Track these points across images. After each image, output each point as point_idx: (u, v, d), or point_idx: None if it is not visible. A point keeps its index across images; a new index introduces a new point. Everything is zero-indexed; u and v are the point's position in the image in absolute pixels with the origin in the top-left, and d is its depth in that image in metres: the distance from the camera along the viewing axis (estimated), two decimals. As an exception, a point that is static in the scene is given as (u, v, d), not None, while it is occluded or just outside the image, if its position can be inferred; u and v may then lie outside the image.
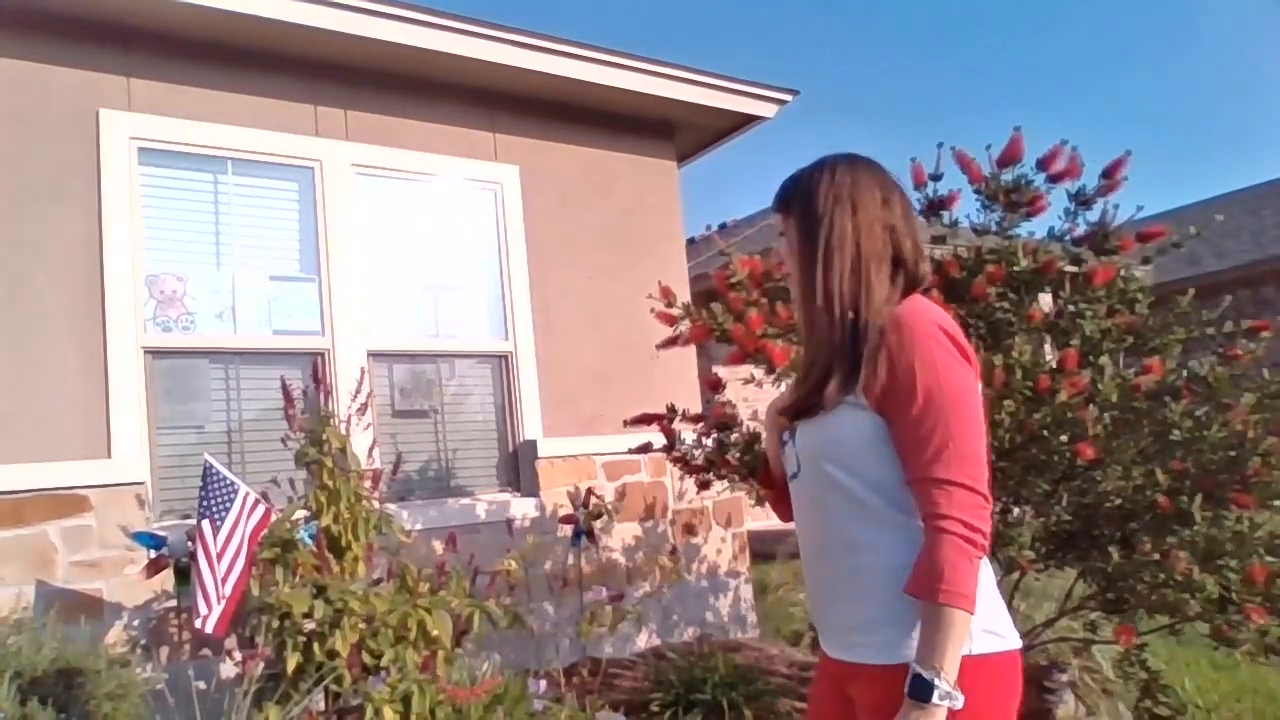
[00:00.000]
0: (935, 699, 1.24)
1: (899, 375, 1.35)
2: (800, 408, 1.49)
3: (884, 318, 1.41)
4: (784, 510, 1.67)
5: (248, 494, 3.35)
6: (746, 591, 5.49)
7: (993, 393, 3.03)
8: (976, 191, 3.47)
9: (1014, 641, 1.39)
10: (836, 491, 1.42)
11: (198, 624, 3.11)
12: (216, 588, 3.14)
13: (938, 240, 3.64)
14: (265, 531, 3.38)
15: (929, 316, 1.40)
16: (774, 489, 1.70)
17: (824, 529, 1.47)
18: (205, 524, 3.24)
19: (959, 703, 1.25)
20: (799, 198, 1.52)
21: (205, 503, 3.29)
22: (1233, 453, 3.03)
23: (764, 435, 1.70)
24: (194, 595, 3.19)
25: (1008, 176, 3.41)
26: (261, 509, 3.35)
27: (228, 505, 3.27)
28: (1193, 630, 3.35)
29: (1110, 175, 3.37)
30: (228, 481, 3.34)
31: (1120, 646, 3.21)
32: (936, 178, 3.54)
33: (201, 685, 3.45)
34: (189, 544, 3.35)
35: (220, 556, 3.20)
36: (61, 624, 3.33)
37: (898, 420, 1.36)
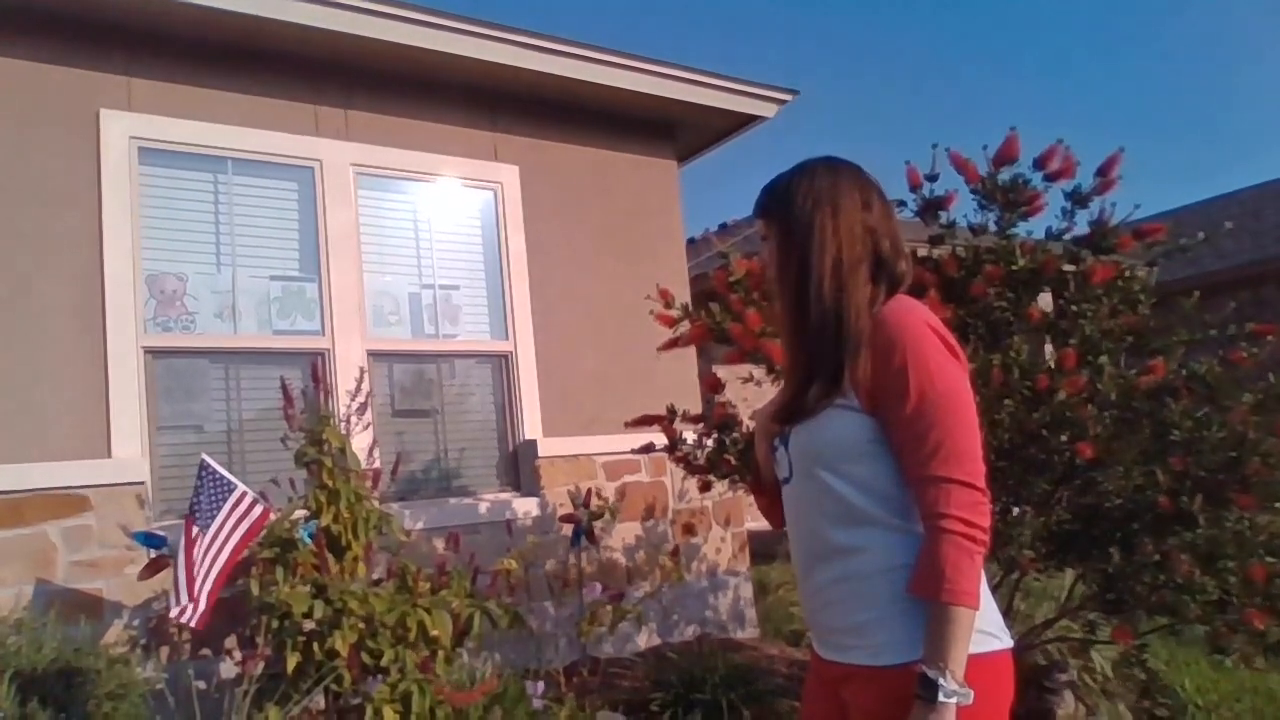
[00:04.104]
0: (943, 697, 1.24)
1: (890, 375, 1.35)
2: (789, 412, 1.49)
3: (867, 319, 1.41)
4: (776, 517, 1.66)
5: (244, 493, 3.36)
6: (746, 591, 5.49)
7: (991, 392, 3.02)
8: (973, 192, 3.46)
9: (1006, 641, 1.39)
10: (828, 495, 1.42)
11: (173, 615, 3.17)
12: (190, 583, 3.19)
13: (935, 241, 3.64)
14: (263, 531, 3.39)
15: (916, 315, 1.40)
16: (765, 495, 1.70)
17: (816, 533, 1.46)
18: (189, 522, 3.30)
19: (969, 699, 1.25)
20: (779, 202, 1.52)
21: (195, 501, 3.33)
22: (1233, 453, 3.03)
23: (755, 442, 1.70)
24: (172, 589, 3.26)
25: (1004, 176, 3.40)
26: (259, 508, 3.36)
27: (218, 505, 3.30)
28: (1192, 630, 3.35)
29: (1105, 173, 3.36)
30: (223, 481, 3.35)
31: (1119, 647, 3.21)
32: (932, 178, 3.54)
33: (201, 685, 3.45)
34: None
35: (205, 553, 3.24)
36: (61, 624, 3.34)
37: (892, 420, 1.36)
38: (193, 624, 3.17)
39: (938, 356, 1.37)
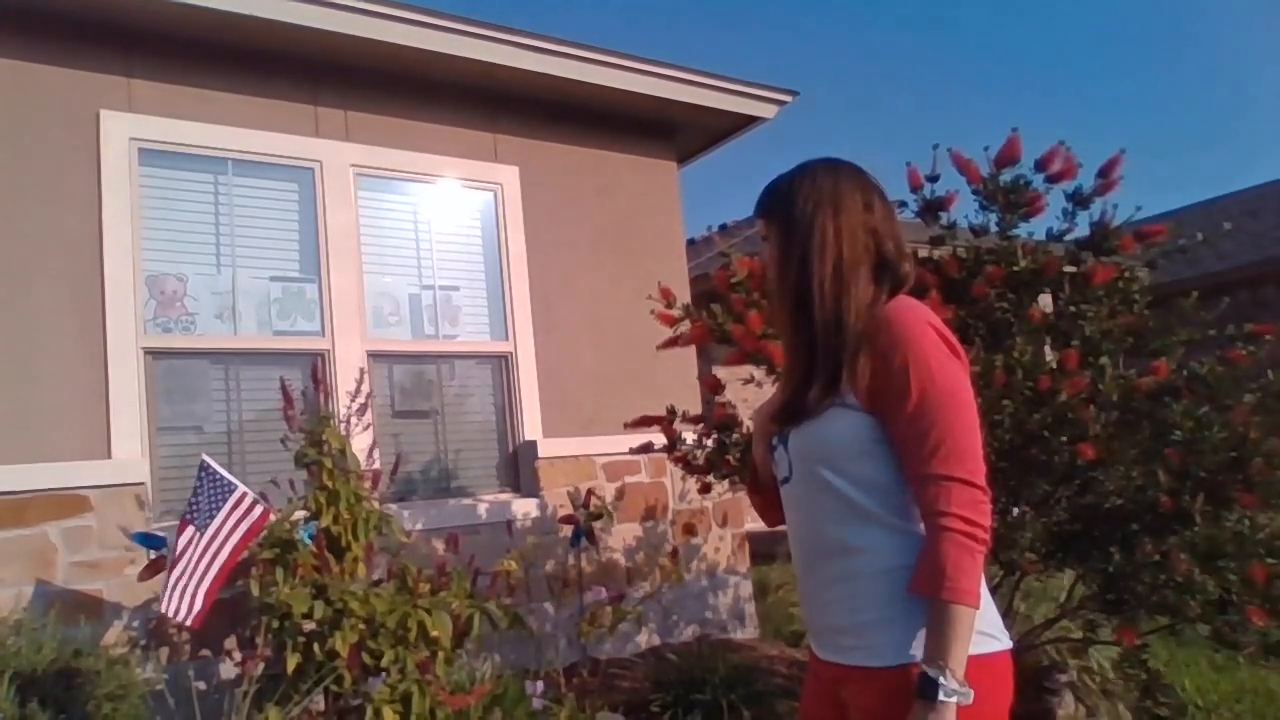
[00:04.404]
0: (943, 696, 1.24)
1: (892, 374, 1.35)
2: (789, 412, 1.49)
3: (867, 319, 1.41)
4: (772, 516, 1.66)
5: (245, 494, 3.36)
6: (746, 592, 5.49)
7: (993, 393, 3.02)
8: (975, 192, 3.46)
9: (1005, 642, 1.39)
10: (828, 494, 1.42)
11: (162, 609, 3.23)
12: (179, 581, 3.23)
13: (936, 241, 3.64)
14: (263, 532, 3.39)
15: (918, 314, 1.40)
16: (762, 495, 1.70)
17: (816, 532, 1.47)
18: (185, 523, 3.31)
19: (969, 698, 1.25)
20: (780, 203, 1.53)
21: (194, 501, 3.34)
22: (1234, 453, 3.03)
23: (753, 442, 1.70)
24: (163, 588, 3.29)
25: (1006, 177, 3.40)
26: (259, 509, 3.36)
27: (218, 505, 3.31)
28: (1192, 630, 3.35)
29: (1106, 174, 3.36)
30: (223, 481, 3.35)
31: (1119, 648, 3.22)
32: (933, 179, 3.54)
33: (201, 686, 3.45)
34: None
35: (204, 553, 3.25)
36: (61, 624, 3.34)
37: (893, 419, 1.36)
38: (189, 623, 3.20)
39: (939, 355, 1.37)
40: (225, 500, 3.32)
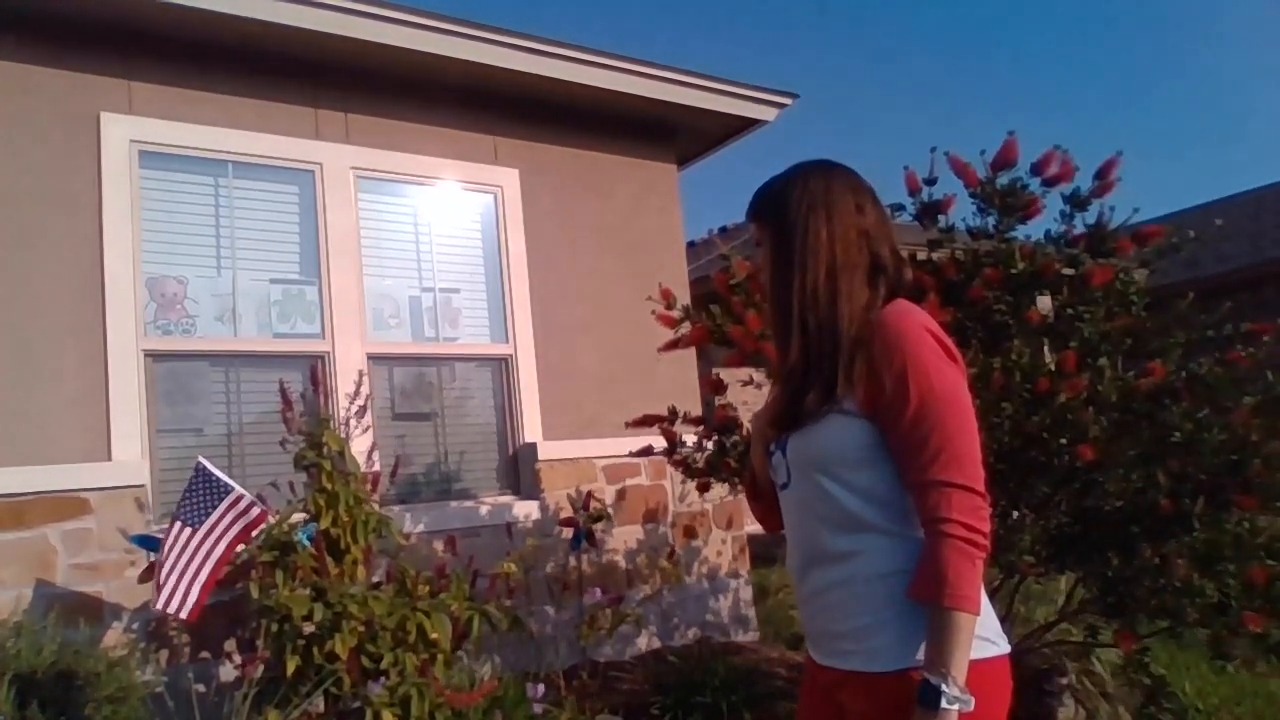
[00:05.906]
0: (945, 703, 1.23)
1: (889, 380, 1.35)
2: (787, 418, 1.48)
3: (861, 324, 1.41)
4: (771, 522, 1.65)
5: (241, 495, 3.36)
6: (747, 594, 5.49)
7: (991, 395, 3.02)
8: (972, 195, 3.46)
9: (1004, 647, 1.38)
10: (826, 501, 1.42)
11: (157, 607, 3.24)
12: (167, 575, 3.25)
13: (934, 244, 3.64)
14: (259, 532, 3.39)
15: (914, 319, 1.39)
16: (761, 501, 1.69)
17: (813, 538, 1.46)
18: (177, 523, 3.32)
19: (970, 705, 1.24)
20: (773, 206, 1.52)
21: (188, 501, 3.33)
22: (1234, 455, 3.02)
23: (752, 447, 1.69)
24: (155, 585, 3.29)
25: (1003, 180, 3.40)
26: (256, 509, 3.35)
27: (213, 505, 3.32)
28: (1193, 634, 3.35)
29: (1103, 176, 3.36)
30: (219, 483, 3.35)
31: (1121, 652, 3.21)
32: (931, 182, 3.54)
33: (201, 688, 3.45)
34: None
35: (199, 548, 3.27)
36: (61, 627, 3.34)
37: (891, 425, 1.36)
38: (183, 616, 3.21)
39: (936, 361, 1.36)
40: (220, 500, 3.32)
